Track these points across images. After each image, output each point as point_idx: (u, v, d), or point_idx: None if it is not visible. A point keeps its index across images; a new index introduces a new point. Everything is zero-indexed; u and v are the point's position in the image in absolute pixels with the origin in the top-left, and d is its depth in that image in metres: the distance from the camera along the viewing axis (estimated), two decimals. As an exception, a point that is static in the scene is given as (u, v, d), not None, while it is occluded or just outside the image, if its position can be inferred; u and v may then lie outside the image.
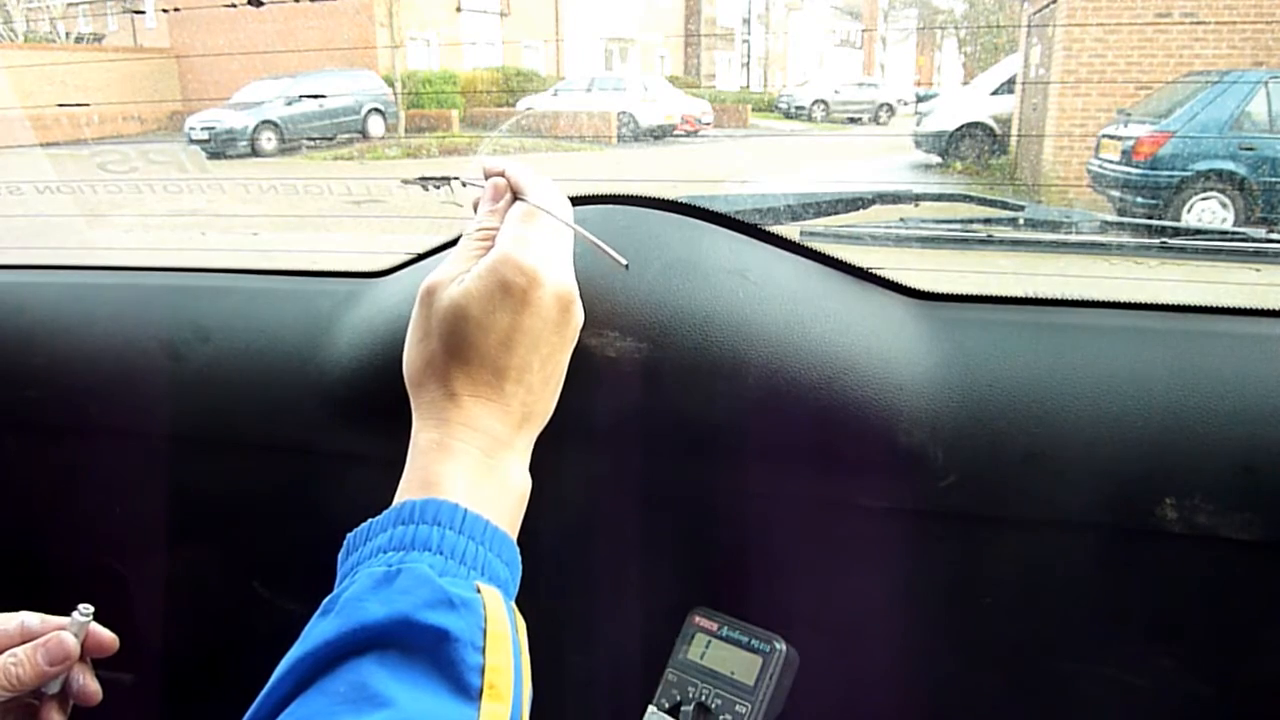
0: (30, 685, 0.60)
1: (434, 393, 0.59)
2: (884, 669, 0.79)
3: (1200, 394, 0.70)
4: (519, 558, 0.57)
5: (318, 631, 0.47)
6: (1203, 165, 2.44)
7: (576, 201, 0.86)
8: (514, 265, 0.59)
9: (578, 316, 0.63)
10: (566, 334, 0.63)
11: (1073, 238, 1.06)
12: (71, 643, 0.61)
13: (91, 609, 0.63)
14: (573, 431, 0.78)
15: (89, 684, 0.63)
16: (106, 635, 0.64)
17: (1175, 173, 2.42)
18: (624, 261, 0.69)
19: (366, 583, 0.48)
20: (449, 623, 0.46)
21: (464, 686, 0.45)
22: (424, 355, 0.60)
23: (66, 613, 0.64)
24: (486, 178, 0.67)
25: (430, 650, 0.46)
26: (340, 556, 0.53)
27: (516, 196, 0.65)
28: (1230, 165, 2.45)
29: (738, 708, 0.74)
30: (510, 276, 0.58)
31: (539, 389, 0.62)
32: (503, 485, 0.58)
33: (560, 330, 0.62)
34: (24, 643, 0.61)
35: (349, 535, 0.54)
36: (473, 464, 0.56)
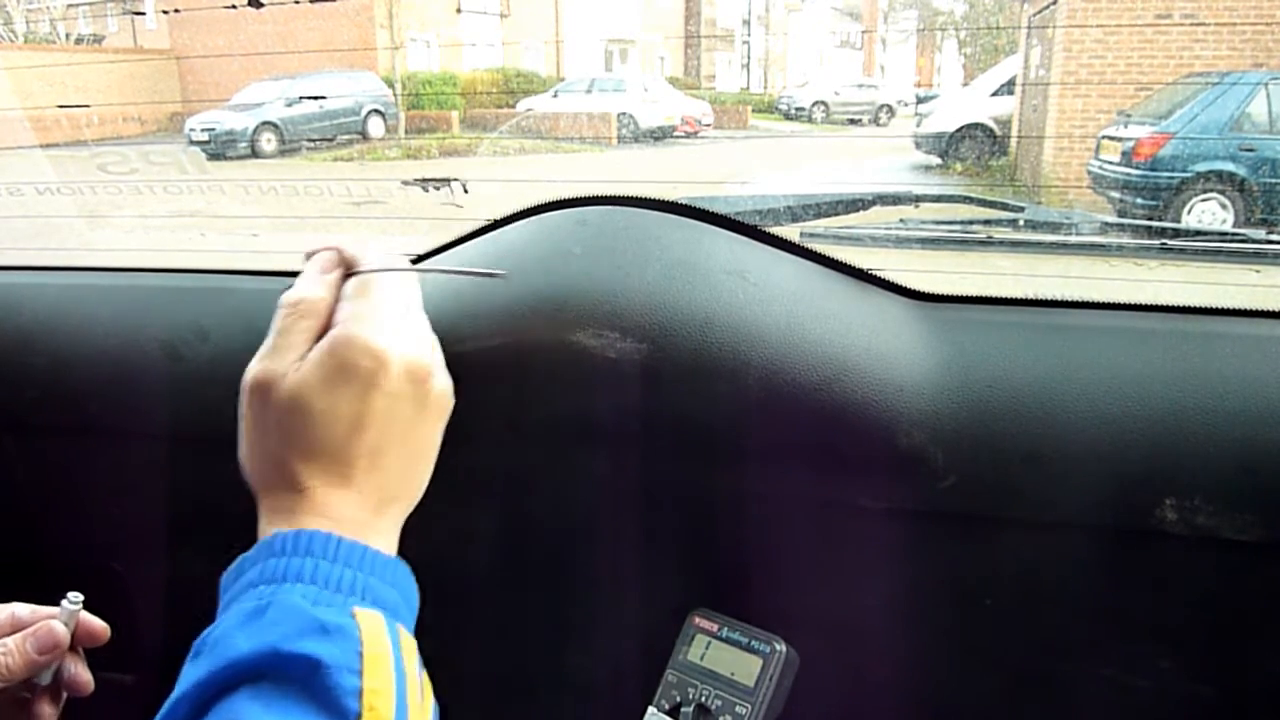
0: (21, 675, 0.59)
1: (280, 491, 0.54)
2: (884, 670, 0.79)
3: (1200, 395, 0.70)
4: (411, 578, 0.55)
5: (188, 675, 0.46)
6: (1203, 166, 2.44)
7: (577, 202, 0.87)
8: (355, 345, 0.54)
9: (439, 386, 0.59)
10: (428, 407, 0.58)
11: (1073, 239, 1.06)
12: (61, 631, 0.61)
13: (81, 597, 0.63)
14: (573, 432, 0.78)
15: (80, 674, 0.63)
16: (97, 624, 0.64)
17: (1175, 174, 2.42)
18: (501, 273, 0.66)
19: (235, 619, 0.47)
20: (320, 650, 0.45)
21: (341, 711, 0.44)
22: (264, 453, 0.55)
23: None
24: (307, 259, 0.61)
25: (302, 679, 0.44)
26: (220, 595, 0.51)
27: (350, 271, 0.59)
28: (1230, 166, 2.46)
29: (738, 709, 0.74)
30: (351, 358, 0.54)
31: (399, 471, 0.57)
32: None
33: (420, 405, 0.57)
34: (14, 633, 0.60)
35: (223, 575, 0.52)
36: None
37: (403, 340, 0.56)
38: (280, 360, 0.55)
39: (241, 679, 0.44)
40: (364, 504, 0.55)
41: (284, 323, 0.57)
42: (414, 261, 0.92)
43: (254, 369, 0.55)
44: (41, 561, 1.06)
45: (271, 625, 0.46)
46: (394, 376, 0.55)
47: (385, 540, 0.56)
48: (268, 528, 0.53)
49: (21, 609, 0.62)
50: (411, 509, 0.60)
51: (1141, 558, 0.73)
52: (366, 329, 0.55)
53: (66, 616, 0.61)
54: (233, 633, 0.46)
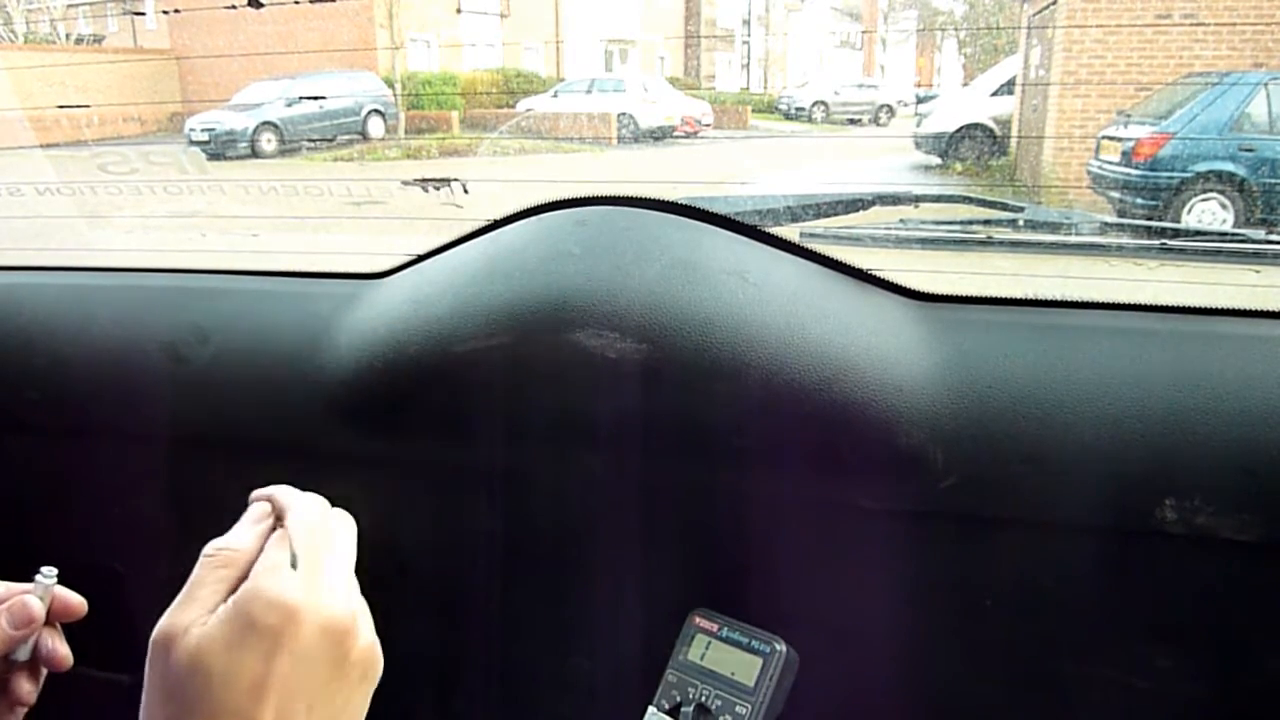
0: None
1: None
2: (884, 670, 0.79)
3: (1200, 395, 0.70)
4: None
5: None
6: (1202, 166, 2.44)
7: (577, 202, 0.87)
8: (264, 600, 0.49)
9: (362, 644, 0.53)
10: (348, 669, 0.53)
11: (1072, 239, 1.06)
12: (36, 606, 0.60)
13: (55, 571, 0.62)
14: (573, 432, 0.78)
15: (58, 648, 0.61)
16: (73, 599, 0.62)
17: (1175, 174, 2.42)
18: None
19: None
20: None
21: None
22: (164, 716, 0.50)
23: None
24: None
25: None
26: None
27: (279, 520, 0.55)
28: (1230, 166, 2.46)
29: (738, 708, 0.74)
30: (259, 614, 0.49)
31: None
32: None
33: (337, 668, 0.52)
34: None
35: None
36: None
37: (320, 595, 0.52)
38: (185, 614, 0.50)
39: None
40: None
41: (200, 573, 0.53)
42: (416, 260, 0.92)
43: (160, 623, 0.51)
44: (41, 561, 1.05)
45: None
46: (306, 635, 0.50)
47: None
48: None
49: None
50: None
51: (1141, 558, 0.73)
52: (278, 582, 0.51)
53: (41, 591, 0.61)
54: None
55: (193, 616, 0.50)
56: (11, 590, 0.61)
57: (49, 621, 0.62)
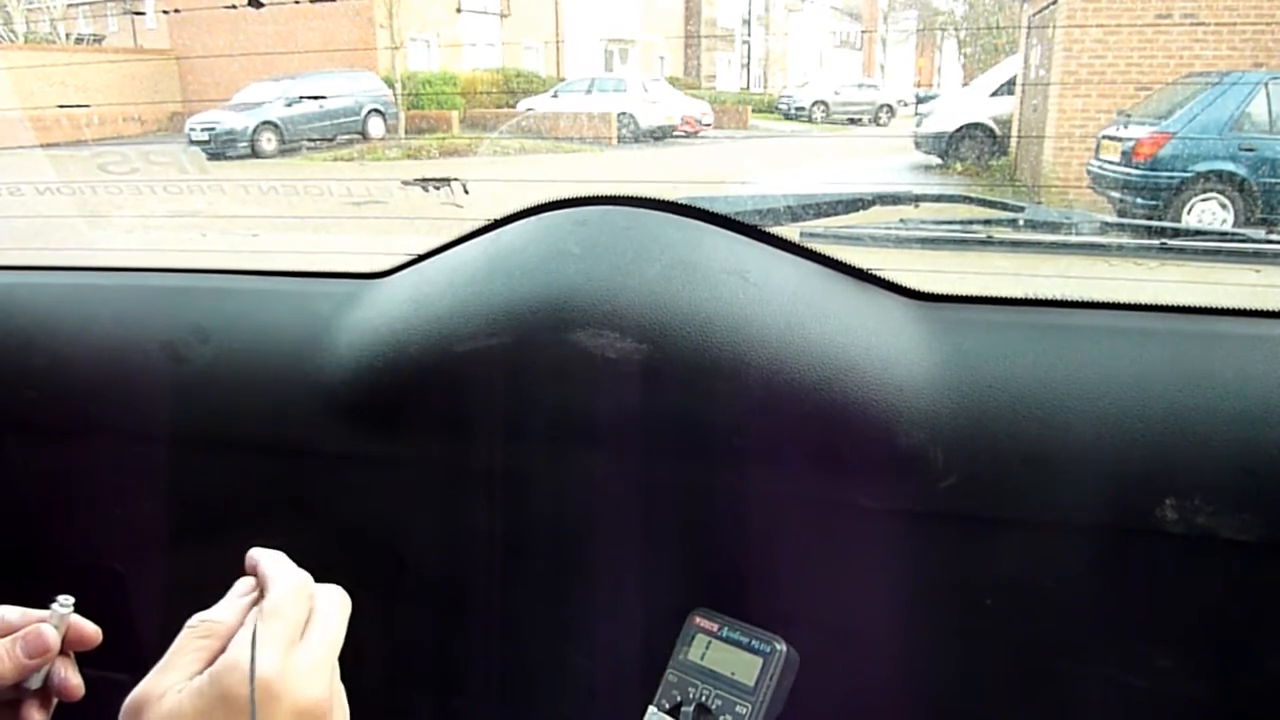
0: (10, 680, 0.58)
1: None
2: (884, 669, 0.79)
3: (1200, 395, 0.70)
4: None
5: None
6: (1203, 166, 2.44)
7: (577, 202, 0.87)
8: (239, 673, 0.49)
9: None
10: None
11: (1073, 239, 1.06)
12: (51, 635, 0.60)
13: (71, 600, 0.62)
14: (573, 432, 0.78)
15: (70, 678, 0.61)
16: (88, 628, 0.62)
17: (1175, 174, 2.42)
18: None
19: None
20: None
21: None
22: None
23: None
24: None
25: None
26: None
27: (261, 594, 0.54)
28: (1230, 166, 2.46)
29: (738, 708, 0.74)
30: (234, 687, 0.48)
31: None
32: None
33: None
34: (3, 637, 0.60)
35: None
36: None
37: (298, 676, 0.51)
38: (162, 681, 0.50)
39: None
40: None
41: (181, 642, 0.52)
42: (416, 260, 0.92)
43: (136, 689, 0.50)
44: (41, 561, 1.06)
45: None
46: (279, 714, 0.49)
47: None
48: None
49: (11, 612, 0.61)
50: None
51: (1141, 558, 0.73)
52: (257, 657, 0.50)
53: (56, 620, 0.61)
54: None
55: (169, 684, 0.49)
56: (28, 617, 0.61)
57: (63, 651, 0.61)
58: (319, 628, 0.54)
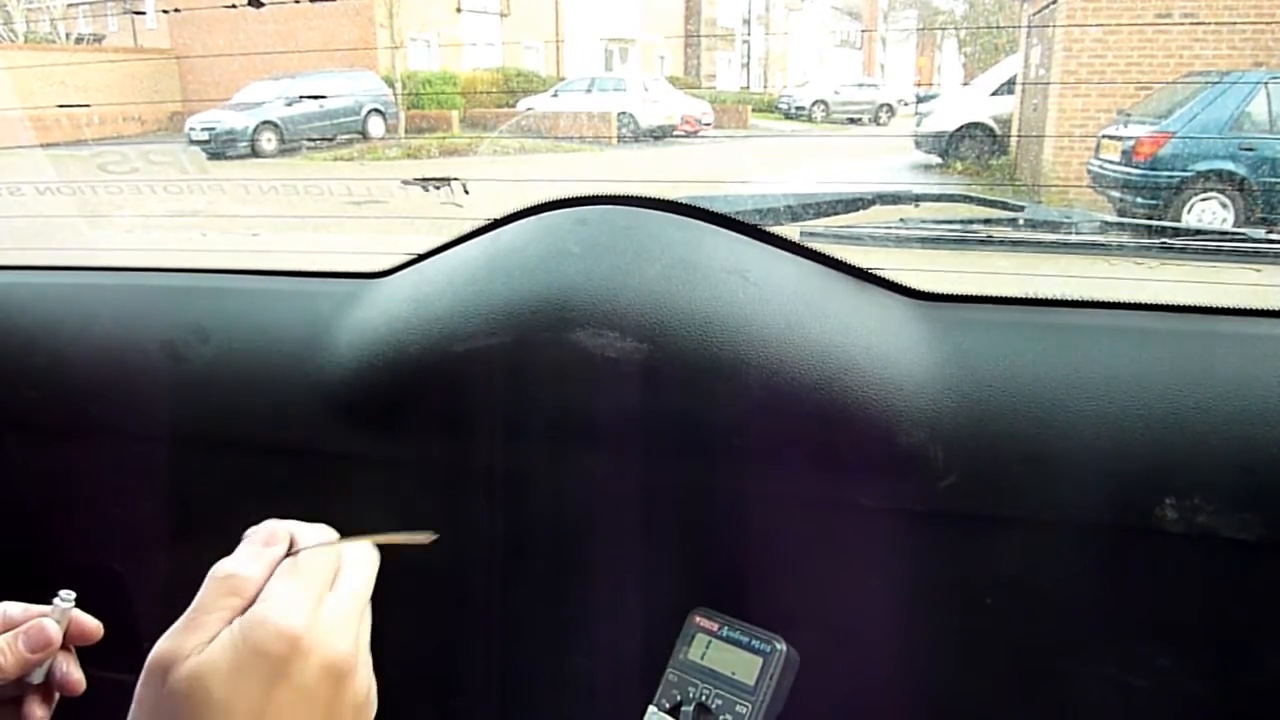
0: (13, 674, 0.58)
1: None
2: (884, 669, 0.79)
3: (1200, 394, 0.70)
4: None
5: None
6: (1203, 166, 2.44)
7: (577, 202, 0.87)
8: (271, 629, 0.49)
9: (359, 690, 0.53)
10: (342, 712, 0.51)
11: (1073, 238, 1.06)
12: (53, 629, 0.60)
13: (73, 595, 0.62)
14: (573, 432, 0.78)
15: (72, 672, 0.61)
16: (90, 622, 0.63)
17: (1175, 173, 2.42)
18: (425, 539, 0.59)
19: None
20: None
21: None
22: None
23: None
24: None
25: None
26: None
27: (290, 549, 0.54)
28: (1230, 165, 2.45)
29: (738, 708, 0.74)
30: (264, 642, 0.48)
31: None
32: None
33: (331, 708, 0.51)
34: (5, 632, 0.60)
35: None
36: None
37: (329, 633, 0.51)
38: (189, 638, 0.49)
39: None
40: None
41: (206, 597, 0.52)
42: (416, 260, 0.92)
43: (159, 646, 0.50)
44: (41, 561, 1.06)
45: None
46: (308, 669, 0.49)
47: None
48: None
49: (13, 608, 0.62)
50: None
51: (1141, 557, 0.73)
52: (286, 612, 0.50)
53: (58, 614, 0.61)
54: None
55: (194, 641, 0.49)
56: (30, 612, 0.61)
57: (64, 645, 0.61)
58: (346, 582, 0.54)
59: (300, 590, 0.51)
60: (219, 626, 0.50)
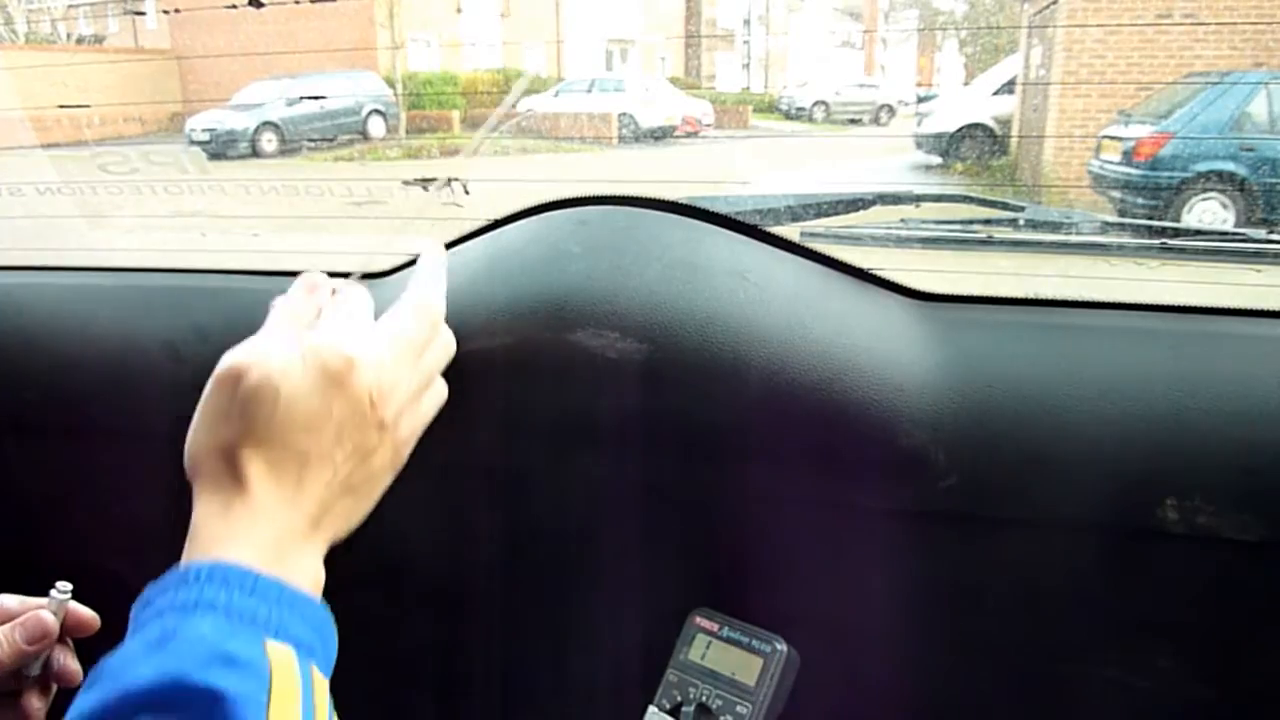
0: (10, 666, 0.59)
1: (221, 478, 0.53)
2: (885, 670, 0.79)
3: (1201, 395, 0.70)
4: (329, 620, 0.52)
5: (79, 705, 0.43)
6: (1203, 166, 2.44)
7: (578, 202, 0.87)
8: (334, 348, 0.56)
9: (404, 429, 0.60)
10: (384, 439, 0.58)
11: (1073, 238, 1.06)
12: (50, 621, 0.60)
13: (69, 586, 0.62)
14: (574, 432, 0.78)
15: (69, 664, 0.62)
16: (86, 613, 0.63)
17: (1176, 173, 2.42)
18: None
19: (136, 646, 0.45)
20: (225, 683, 0.43)
21: None
22: (216, 441, 0.54)
23: None
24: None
25: (204, 711, 0.42)
26: (130, 625, 0.49)
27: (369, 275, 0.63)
28: (1231, 166, 2.45)
29: (739, 708, 0.74)
30: (329, 358, 0.55)
31: (344, 488, 0.56)
32: (295, 572, 0.52)
33: (381, 432, 0.58)
34: (2, 624, 0.60)
35: (133, 606, 0.50)
36: (262, 553, 0.51)
37: (385, 364, 0.58)
38: (259, 353, 0.55)
39: (140, 709, 0.42)
40: (300, 514, 0.54)
41: (270, 323, 0.59)
42: (416, 260, 0.92)
43: (230, 358, 0.56)
44: (41, 561, 1.05)
45: (175, 654, 0.44)
46: (364, 390, 0.56)
47: (310, 564, 0.54)
48: (197, 526, 0.53)
49: (10, 600, 0.62)
50: (338, 540, 0.58)
51: (1142, 557, 0.73)
52: (346, 336, 0.57)
53: (55, 606, 0.61)
54: (132, 661, 0.44)
55: (265, 354, 0.55)
56: (26, 605, 0.61)
57: (61, 638, 0.61)
58: (396, 325, 0.62)
59: (353, 324, 0.59)
60: (285, 344, 0.56)
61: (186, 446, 0.56)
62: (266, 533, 0.52)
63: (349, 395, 0.55)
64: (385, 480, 0.61)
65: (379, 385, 0.57)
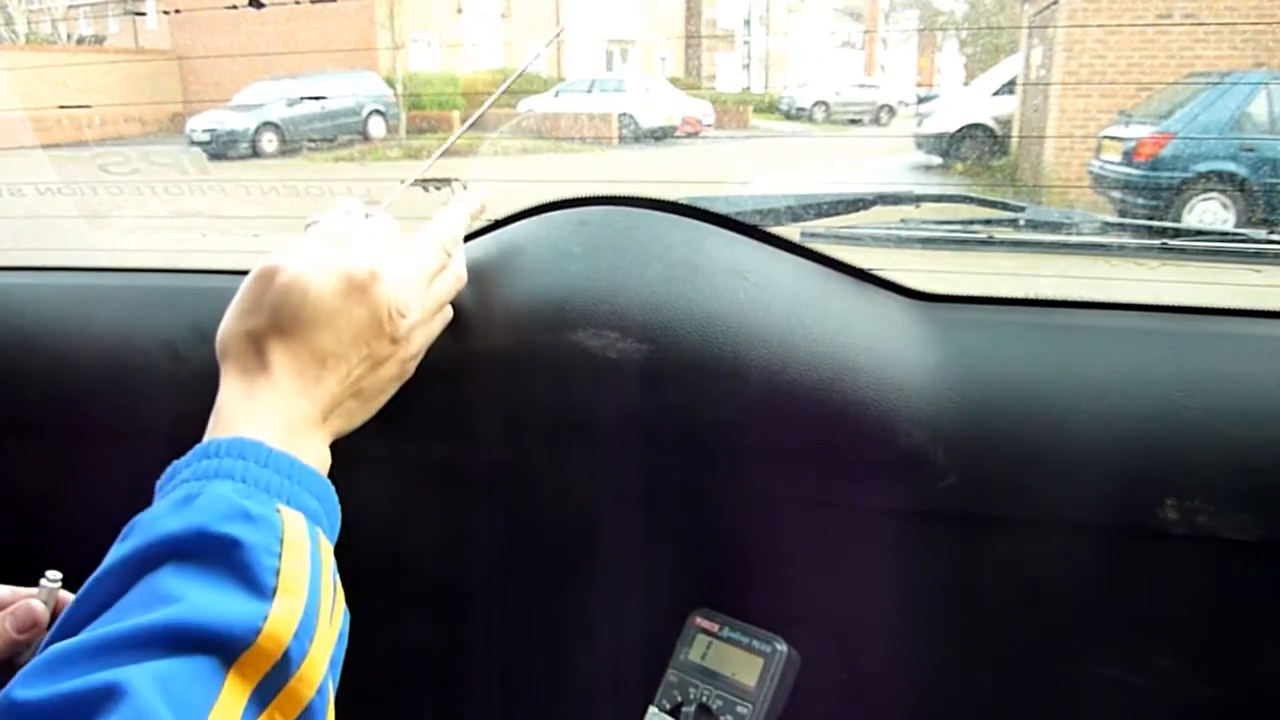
0: (0, 655, 0.59)
1: (248, 360, 0.60)
2: (885, 670, 0.79)
3: (1201, 395, 0.70)
4: (334, 496, 0.58)
5: (115, 552, 0.50)
6: (1204, 166, 2.44)
7: (578, 202, 0.87)
8: (360, 259, 0.61)
9: (415, 343, 0.66)
10: (397, 352, 0.64)
11: (1073, 239, 1.06)
12: (40, 610, 0.61)
13: (59, 575, 0.63)
14: (574, 432, 0.78)
15: None
16: None
17: (1176, 174, 2.42)
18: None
19: (164, 506, 0.51)
20: (243, 532, 0.48)
21: (257, 585, 0.47)
22: (245, 325, 0.61)
23: None
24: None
25: (224, 555, 0.47)
26: (154, 497, 0.55)
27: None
28: (1231, 166, 2.45)
29: (739, 709, 0.74)
30: (353, 268, 0.61)
31: (355, 387, 0.63)
32: (304, 454, 0.58)
33: (394, 345, 0.64)
34: None
35: (159, 480, 0.56)
36: (275, 434, 0.57)
37: (403, 281, 0.64)
38: (294, 257, 0.61)
39: (168, 555, 0.48)
40: (313, 405, 0.60)
41: (305, 235, 0.65)
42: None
43: (269, 258, 0.62)
44: (41, 561, 1.05)
45: (198, 510, 0.49)
46: (384, 302, 0.61)
47: (318, 450, 0.61)
48: (223, 400, 0.59)
49: (1, 590, 0.62)
50: (343, 435, 0.65)
51: (1141, 557, 0.73)
52: (369, 250, 0.63)
53: (45, 595, 0.61)
54: (161, 516, 0.50)
55: (298, 258, 0.61)
56: (16, 594, 0.62)
57: (50, 625, 0.61)
58: (418, 250, 0.68)
59: (380, 244, 0.65)
60: (318, 252, 0.62)
61: (219, 333, 0.63)
62: (281, 416, 0.58)
63: (370, 304, 0.61)
64: (390, 390, 0.66)
65: (397, 300, 0.62)
